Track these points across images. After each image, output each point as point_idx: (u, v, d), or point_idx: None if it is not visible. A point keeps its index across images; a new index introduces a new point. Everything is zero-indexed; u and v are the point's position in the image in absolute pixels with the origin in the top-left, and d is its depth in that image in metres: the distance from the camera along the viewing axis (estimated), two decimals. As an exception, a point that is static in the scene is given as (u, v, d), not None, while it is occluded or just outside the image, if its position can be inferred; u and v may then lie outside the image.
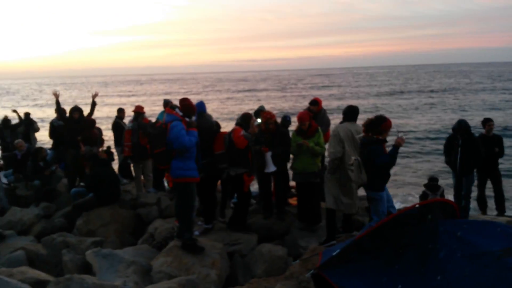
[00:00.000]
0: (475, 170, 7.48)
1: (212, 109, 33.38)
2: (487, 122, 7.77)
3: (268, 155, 6.38)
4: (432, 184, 7.69)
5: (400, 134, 5.15)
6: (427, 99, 40.65)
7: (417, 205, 3.70)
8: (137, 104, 8.78)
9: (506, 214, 7.89)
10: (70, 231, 6.80)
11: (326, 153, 6.07)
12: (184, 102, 5.52)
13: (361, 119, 5.85)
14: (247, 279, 5.30)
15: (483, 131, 7.87)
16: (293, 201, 7.37)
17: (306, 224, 6.49)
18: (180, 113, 5.33)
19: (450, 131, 7.74)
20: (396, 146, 4.98)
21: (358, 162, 5.40)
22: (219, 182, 6.86)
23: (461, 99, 39.17)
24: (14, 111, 11.35)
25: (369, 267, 3.52)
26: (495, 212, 7.99)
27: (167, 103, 7.72)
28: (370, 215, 5.91)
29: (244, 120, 6.20)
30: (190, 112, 5.41)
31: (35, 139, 11.22)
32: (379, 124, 5.16)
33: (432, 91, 49.87)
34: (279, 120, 7.09)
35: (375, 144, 5.17)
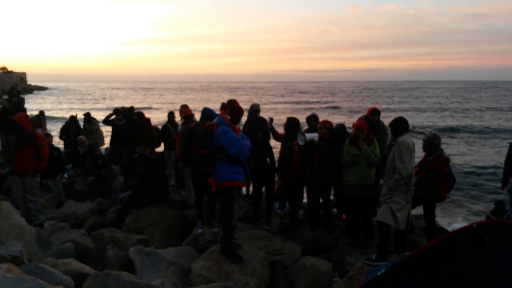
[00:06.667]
0: None
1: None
2: None
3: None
4: (497, 207, 6.95)
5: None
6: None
7: (474, 225, 3.27)
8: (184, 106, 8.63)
9: None
10: (120, 228, 6.91)
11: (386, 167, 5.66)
12: (232, 104, 5.37)
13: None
14: (287, 291, 5.08)
15: None
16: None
17: (355, 240, 6.12)
18: (228, 117, 5.23)
19: None
20: None
21: None
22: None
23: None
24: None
25: (417, 292, 3.17)
26: None
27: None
28: None
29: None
30: (237, 116, 5.28)
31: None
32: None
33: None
34: None
35: None
